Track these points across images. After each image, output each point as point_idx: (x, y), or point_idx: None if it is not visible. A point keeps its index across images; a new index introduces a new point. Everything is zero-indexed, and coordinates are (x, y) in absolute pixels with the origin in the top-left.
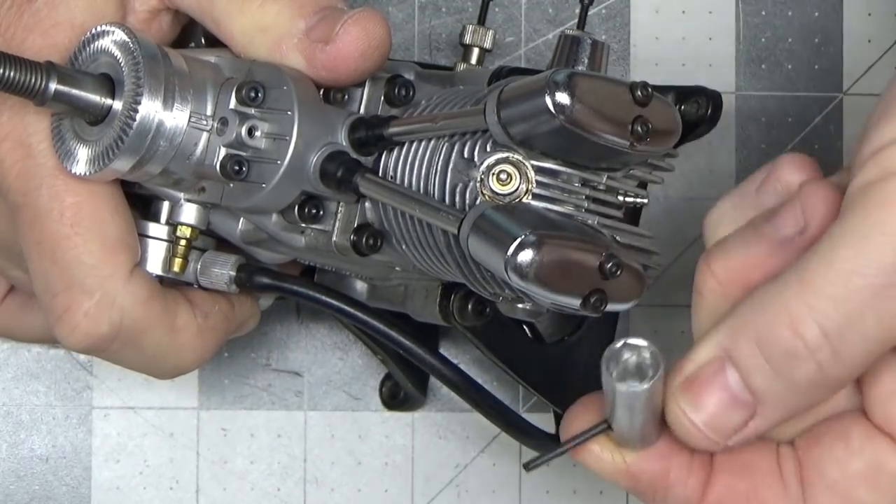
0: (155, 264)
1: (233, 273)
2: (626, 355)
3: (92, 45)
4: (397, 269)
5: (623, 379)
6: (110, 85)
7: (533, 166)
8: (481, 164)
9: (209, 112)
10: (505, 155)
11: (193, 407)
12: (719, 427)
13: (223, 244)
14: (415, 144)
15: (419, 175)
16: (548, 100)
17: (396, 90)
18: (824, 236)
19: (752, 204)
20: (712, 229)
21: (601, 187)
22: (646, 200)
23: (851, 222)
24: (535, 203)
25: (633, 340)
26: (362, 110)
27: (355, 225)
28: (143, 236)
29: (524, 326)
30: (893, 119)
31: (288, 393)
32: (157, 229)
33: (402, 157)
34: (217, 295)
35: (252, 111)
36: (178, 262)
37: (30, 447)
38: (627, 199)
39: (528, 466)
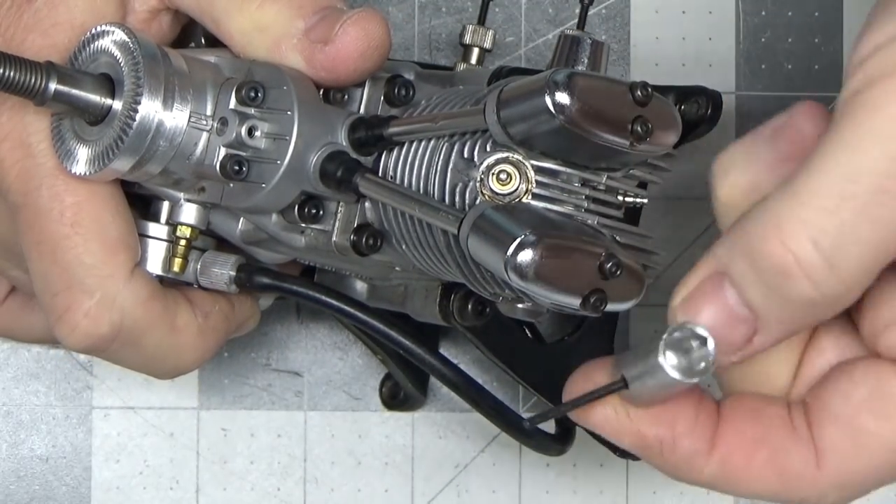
0: (155, 264)
1: (233, 273)
2: (690, 345)
3: (92, 45)
4: (397, 269)
5: (676, 367)
6: (110, 85)
7: (533, 166)
8: (481, 163)
9: (209, 112)
10: (505, 155)
11: (193, 407)
12: (720, 343)
13: (223, 244)
14: (415, 144)
15: (419, 175)
16: (548, 100)
17: (396, 90)
18: (815, 149)
19: (766, 150)
20: (721, 175)
21: (601, 187)
22: (646, 200)
23: (841, 132)
24: (534, 203)
25: (700, 330)
26: (362, 110)
27: (355, 225)
28: (143, 236)
29: (524, 326)
30: (876, 28)
31: (288, 393)
32: (157, 229)
33: (401, 157)
34: (217, 295)
35: (252, 111)
36: (178, 262)
37: (30, 447)
38: (627, 199)
39: (532, 420)
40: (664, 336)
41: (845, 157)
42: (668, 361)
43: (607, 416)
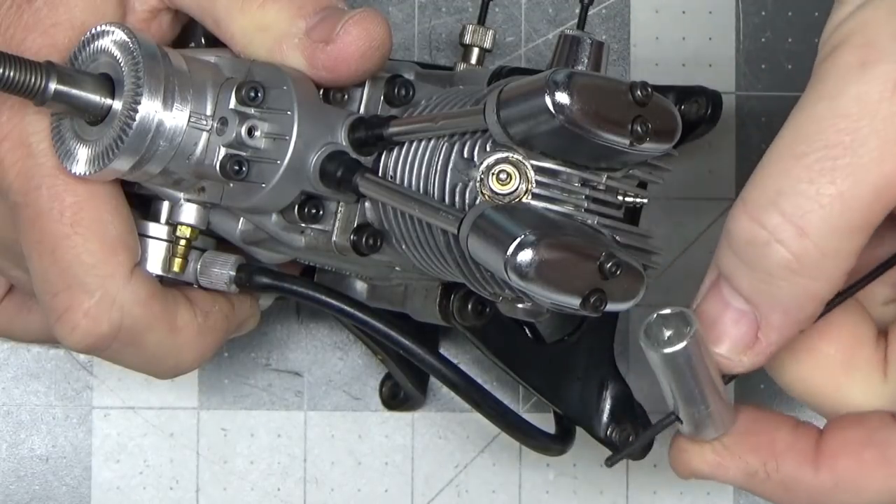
0: (155, 264)
1: (233, 273)
2: (660, 323)
3: (92, 45)
4: (397, 269)
5: (664, 345)
6: (110, 85)
7: (533, 166)
8: (481, 163)
9: (209, 112)
10: (505, 155)
11: (193, 407)
12: (723, 341)
13: (223, 244)
14: (414, 144)
15: (419, 175)
16: (547, 99)
17: (396, 90)
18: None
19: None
20: None
21: (601, 187)
22: (646, 200)
23: (800, 105)
24: (534, 203)
25: (663, 311)
26: (362, 110)
27: (355, 225)
28: (143, 236)
29: (524, 326)
30: (839, 6)
31: (288, 393)
32: (157, 229)
33: (401, 157)
34: (217, 295)
35: (252, 111)
36: (177, 261)
37: (30, 447)
38: (627, 199)
39: (609, 462)
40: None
41: (796, 121)
42: (656, 346)
43: (706, 458)
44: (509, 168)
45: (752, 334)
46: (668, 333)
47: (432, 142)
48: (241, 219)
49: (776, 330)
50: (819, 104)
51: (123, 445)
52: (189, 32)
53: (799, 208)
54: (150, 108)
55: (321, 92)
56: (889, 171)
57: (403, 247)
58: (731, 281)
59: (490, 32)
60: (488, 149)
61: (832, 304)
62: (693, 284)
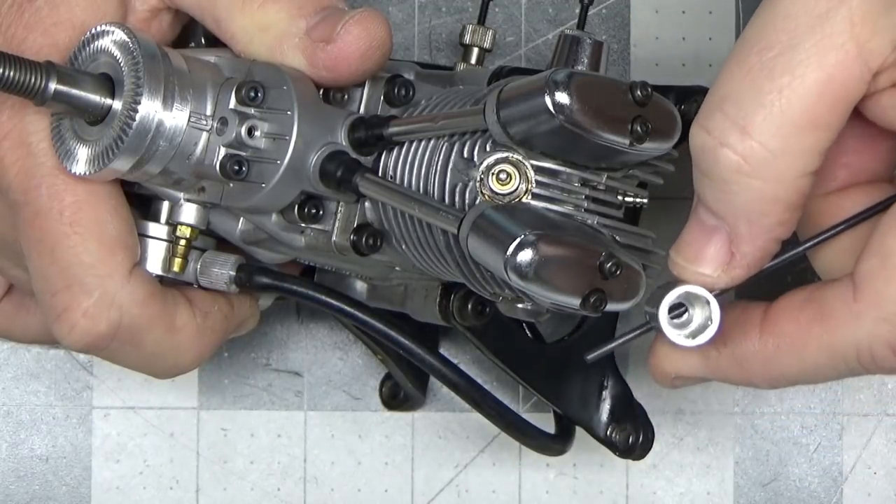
0: (155, 264)
1: (233, 273)
2: (691, 309)
3: (92, 45)
4: (397, 269)
5: (677, 333)
6: (110, 85)
7: (532, 166)
8: (481, 163)
9: (209, 112)
10: (504, 155)
11: (193, 407)
12: (702, 259)
13: (223, 244)
14: (414, 144)
15: (419, 175)
16: (547, 99)
17: (396, 90)
18: None
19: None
20: None
21: (601, 187)
22: (646, 200)
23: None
24: (534, 203)
25: (699, 292)
26: (362, 110)
27: (355, 225)
28: (142, 236)
29: (524, 326)
30: None
31: (288, 393)
32: (157, 229)
33: (401, 157)
34: (217, 295)
35: (252, 111)
36: (177, 261)
37: (30, 447)
38: (627, 199)
39: (589, 357)
40: (665, 299)
41: (743, 33)
42: (672, 328)
43: (672, 356)
44: (509, 168)
45: (726, 249)
46: (690, 321)
47: (432, 142)
48: (241, 219)
49: (746, 241)
50: (761, 12)
51: (123, 445)
52: (189, 32)
53: (741, 109)
54: (150, 108)
55: (321, 92)
56: (830, 65)
57: (403, 247)
58: (701, 198)
59: (490, 32)
60: (488, 149)
61: (803, 245)
62: None
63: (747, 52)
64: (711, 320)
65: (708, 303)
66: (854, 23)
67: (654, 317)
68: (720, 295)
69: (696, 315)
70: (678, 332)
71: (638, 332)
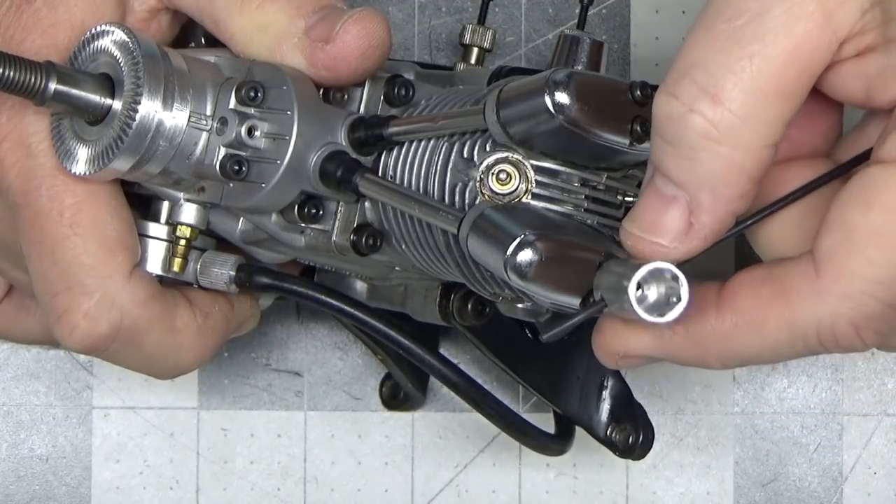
0: (155, 264)
1: (233, 273)
2: (654, 285)
3: (91, 45)
4: (397, 269)
5: (646, 307)
6: (110, 85)
7: (532, 166)
8: (481, 163)
9: (209, 112)
10: (504, 155)
11: (193, 407)
12: (658, 229)
13: (223, 244)
14: (414, 144)
15: (419, 175)
16: (547, 99)
17: (396, 90)
18: None
19: None
20: None
21: (601, 187)
22: None
23: None
24: (534, 203)
25: (665, 268)
26: (362, 110)
27: (355, 225)
28: (142, 236)
29: (524, 326)
30: None
31: (288, 393)
32: (157, 229)
33: (401, 157)
34: (217, 295)
35: (252, 111)
36: (177, 261)
37: (30, 447)
38: (627, 199)
39: (544, 337)
40: (634, 277)
41: (710, 1)
42: (640, 306)
43: (620, 333)
44: (509, 168)
45: (685, 219)
46: (658, 296)
47: (432, 142)
48: (241, 219)
49: (707, 211)
50: None
51: (123, 445)
52: (189, 32)
53: (711, 76)
54: (150, 108)
55: (321, 92)
56: (798, 34)
57: (403, 247)
58: (660, 167)
59: (490, 32)
60: (488, 149)
61: (758, 215)
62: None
63: (715, 19)
64: (680, 296)
65: (674, 278)
66: None
67: (616, 294)
68: (681, 265)
69: (652, 292)
70: (642, 308)
71: (593, 309)
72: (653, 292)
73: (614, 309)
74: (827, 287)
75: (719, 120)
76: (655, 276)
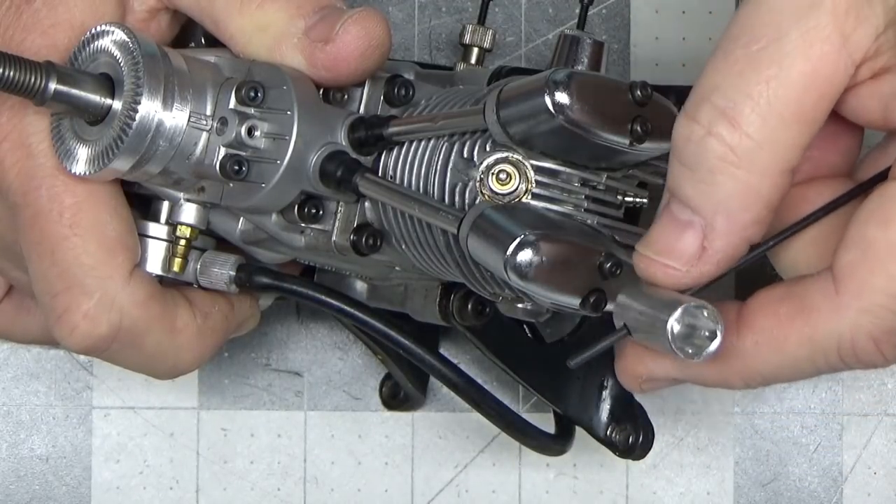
0: (155, 264)
1: (233, 273)
2: (686, 319)
3: (91, 45)
4: (397, 269)
5: (681, 347)
6: (110, 85)
7: (532, 166)
8: (481, 163)
9: (209, 112)
10: (504, 155)
11: (193, 407)
12: (672, 252)
13: (223, 244)
14: (414, 144)
15: (419, 175)
16: (547, 99)
17: (396, 90)
18: None
19: None
20: None
21: (601, 187)
22: (645, 200)
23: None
24: (534, 203)
25: (699, 304)
26: (362, 110)
27: (355, 225)
28: (142, 236)
29: (524, 326)
30: None
31: (288, 393)
32: (157, 229)
33: (401, 157)
34: (217, 295)
35: (252, 111)
36: (177, 261)
37: (30, 447)
38: (627, 199)
39: (572, 363)
40: (671, 318)
41: (728, 28)
42: (675, 344)
43: (644, 358)
44: (509, 168)
45: (698, 244)
46: (692, 332)
47: (432, 142)
48: (241, 219)
49: (721, 236)
50: (745, 6)
51: (123, 445)
52: (189, 32)
53: (730, 100)
54: (150, 108)
55: (321, 92)
56: (815, 58)
57: (403, 247)
58: (677, 192)
59: (490, 32)
60: (488, 149)
61: (779, 236)
62: None
63: (733, 44)
64: (713, 332)
65: (707, 314)
66: (838, 14)
67: (646, 328)
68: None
69: (683, 326)
70: (675, 346)
71: (616, 337)
72: (684, 326)
73: (639, 338)
74: (847, 302)
75: (737, 143)
76: (689, 312)
